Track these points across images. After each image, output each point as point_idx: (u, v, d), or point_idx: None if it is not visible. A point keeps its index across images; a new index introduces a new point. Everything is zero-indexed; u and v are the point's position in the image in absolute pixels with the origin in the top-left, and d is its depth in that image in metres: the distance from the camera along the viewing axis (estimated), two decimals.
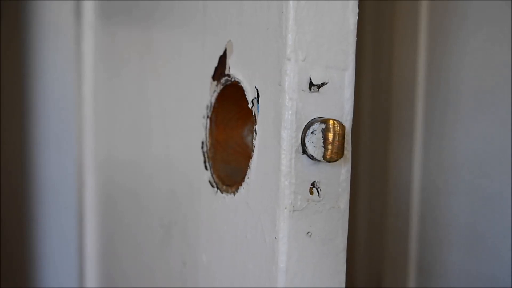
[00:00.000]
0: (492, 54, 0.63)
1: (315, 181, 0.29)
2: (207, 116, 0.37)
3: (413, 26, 0.73)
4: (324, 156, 0.28)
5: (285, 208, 0.28)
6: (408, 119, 0.75)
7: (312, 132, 0.27)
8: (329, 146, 0.27)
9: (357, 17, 0.29)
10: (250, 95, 0.32)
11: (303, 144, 0.28)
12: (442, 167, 0.70)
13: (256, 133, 0.31)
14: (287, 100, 0.28)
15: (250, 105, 0.32)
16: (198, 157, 0.39)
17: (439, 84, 0.70)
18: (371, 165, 0.84)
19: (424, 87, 0.73)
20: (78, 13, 0.69)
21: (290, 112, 0.28)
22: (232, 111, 0.37)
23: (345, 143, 0.28)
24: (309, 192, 0.29)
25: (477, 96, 0.65)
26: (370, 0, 0.81)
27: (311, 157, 0.28)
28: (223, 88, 0.35)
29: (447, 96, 0.69)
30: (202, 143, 0.38)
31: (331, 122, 0.27)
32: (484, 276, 0.61)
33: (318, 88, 0.28)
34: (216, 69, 0.36)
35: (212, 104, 0.36)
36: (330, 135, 0.27)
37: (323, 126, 0.27)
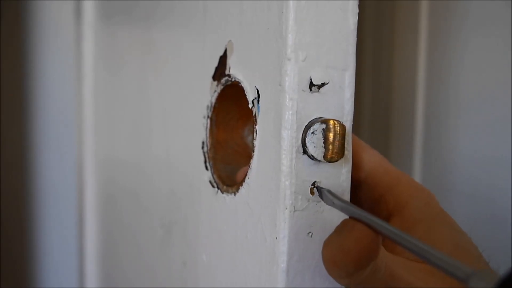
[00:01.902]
0: (492, 54, 0.63)
1: (315, 181, 0.29)
2: (208, 116, 0.37)
3: (413, 26, 0.73)
4: (324, 156, 0.27)
5: (286, 208, 0.28)
6: (408, 119, 0.75)
7: (312, 132, 0.27)
8: (330, 146, 0.27)
9: (357, 17, 0.29)
10: (250, 95, 0.32)
11: (303, 144, 0.28)
12: (442, 167, 0.70)
13: (256, 133, 0.31)
14: (287, 100, 0.28)
15: (250, 105, 0.32)
16: (198, 157, 0.39)
17: (439, 84, 0.70)
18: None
19: (424, 87, 0.73)
20: (78, 13, 0.69)
21: (290, 112, 0.28)
22: (232, 111, 0.37)
23: (345, 143, 0.28)
24: (309, 192, 0.29)
25: (477, 96, 0.65)
26: (370, 0, 0.81)
27: (312, 157, 0.28)
28: (223, 88, 0.35)
29: (448, 96, 0.69)
30: (203, 143, 0.38)
31: (331, 122, 0.27)
32: None
33: (319, 88, 0.28)
34: (217, 69, 0.36)
35: (213, 104, 0.36)
36: (331, 135, 0.27)
37: (323, 126, 0.27)
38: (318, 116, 0.28)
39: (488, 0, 0.62)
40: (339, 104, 0.29)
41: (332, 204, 0.28)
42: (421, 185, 0.33)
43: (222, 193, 0.36)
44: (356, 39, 0.29)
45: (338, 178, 0.29)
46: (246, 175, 0.33)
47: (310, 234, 0.29)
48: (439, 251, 0.22)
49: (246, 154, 0.37)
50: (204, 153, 0.38)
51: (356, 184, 0.34)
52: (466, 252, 0.30)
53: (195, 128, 0.39)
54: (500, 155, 0.62)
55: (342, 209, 0.27)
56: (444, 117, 0.69)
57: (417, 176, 0.74)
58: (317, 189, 0.29)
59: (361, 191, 0.34)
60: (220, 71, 0.35)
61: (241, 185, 0.33)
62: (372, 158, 0.34)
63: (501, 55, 0.61)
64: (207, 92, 0.37)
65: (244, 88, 0.32)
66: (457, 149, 0.68)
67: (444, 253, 0.22)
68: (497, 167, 0.63)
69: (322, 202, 0.29)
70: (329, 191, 0.28)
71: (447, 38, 0.68)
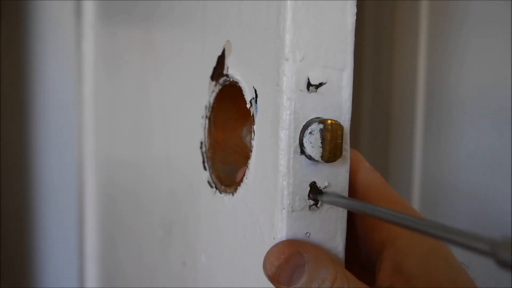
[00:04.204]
0: (492, 54, 0.63)
1: (313, 182, 0.29)
2: (206, 116, 0.37)
3: (413, 26, 0.73)
4: (322, 157, 0.27)
5: (284, 208, 0.28)
6: (408, 119, 0.75)
7: (310, 133, 0.27)
8: (327, 147, 0.27)
9: (355, 17, 0.29)
10: (248, 95, 0.32)
11: (301, 144, 0.28)
12: (442, 167, 0.70)
13: (254, 134, 0.31)
14: (285, 100, 0.28)
15: (248, 105, 0.32)
16: (197, 157, 0.39)
17: (439, 84, 0.70)
18: (371, 165, 0.84)
19: (424, 87, 0.72)
20: (78, 13, 0.69)
21: (288, 112, 0.28)
22: (230, 111, 0.37)
23: (343, 143, 0.28)
24: (307, 193, 0.29)
25: (477, 96, 0.65)
26: (370, 0, 0.81)
27: (309, 158, 0.28)
28: (221, 88, 0.35)
29: (448, 96, 0.69)
30: (201, 143, 0.38)
31: (329, 122, 0.27)
32: (485, 276, 0.60)
33: (316, 88, 0.28)
34: (215, 69, 0.36)
35: (211, 104, 0.36)
36: (328, 135, 0.27)
37: (321, 126, 0.27)
38: (316, 116, 0.28)
39: (488, 0, 0.62)
40: (337, 104, 0.29)
41: (337, 204, 0.28)
42: (417, 213, 0.32)
43: (221, 193, 0.36)
44: (354, 39, 0.29)
45: (336, 178, 0.29)
46: (244, 175, 0.33)
47: (308, 234, 0.29)
48: (453, 227, 0.20)
49: (244, 154, 0.37)
50: (202, 153, 0.38)
51: None
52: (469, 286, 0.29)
53: (194, 128, 0.39)
54: (500, 155, 0.62)
55: (346, 207, 0.27)
56: (444, 117, 0.69)
57: (417, 176, 0.74)
58: (313, 200, 0.29)
59: (356, 217, 0.33)
60: (218, 71, 0.35)
61: (239, 185, 0.33)
62: (370, 180, 0.33)
63: (501, 55, 0.61)
64: (205, 92, 0.37)
65: (242, 88, 0.32)
66: (457, 149, 0.68)
67: (458, 228, 0.20)
68: (497, 167, 0.63)
69: (320, 202, 0.29)
70: (326, 194, 0.28)
71: (447, 38, 0.68)
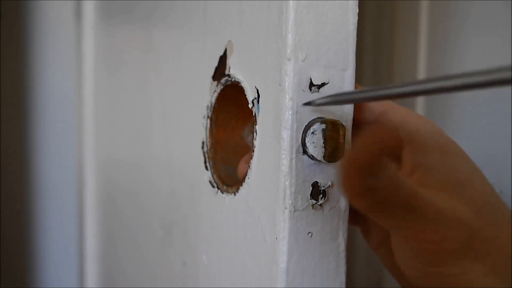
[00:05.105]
0: (492, 54, 0.63)
1: (316, 182, 0.29)
2: (207, 116, 0.37)
3: (413, 26, 0.73)
4: (324, 156, 0.28)
5: (286, 208, 0.28)
6: None
7: (312, 132, 0.27)
8: (329, 146, 0.27)
9: (357, 17, 0.29)
10: (250, 95, 0.32)
11: (303, 144, 0.28)
12: None
13: (256, 133, 0.31)
14: (287, 100, 0.28)
15: (250, 105, 0.32)
16: (198, 157, 0.39)
17: None
18: None
19: None
20: (78, 13, 0.69)
21: (290, 112, 0.28)
22: (232, 111, 0.37)
23: (345, 143, 0.28)
24: (309, 193, 0.29)
25: (477, 96, 0.65)
26: (370, 0, 0.81)
27: (312, 157, 0.28)
28: (223, 88, 0.35)
29: (447, 96, 0.69)
30: (203, 143, 0.38)
31: (331, 122, 0.27)
32: None
33: (318, 88, 0.28)
34: (216, 69, 0.36)
35: (212, 104, 0.36)
36: (331, 135, 0.27)
37: (323, 126, 0.27)
38: (318, 116, 0.28)
39: (488, 0, 0.62)
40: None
41: (327, 103, 0.27)
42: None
43: (222, 193, 0.36)
44: (356, 39, 0.29)
45: (338, 178, 0.29)
46: (247, 169, 0.33)
47: (310, 234, 0.29)
48: (468, 72, 0.19)
49: (245, 154, 0.37)
50: (204, 153, 0.38)
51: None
52: (484, 180, 0.30)
53: (195, 128, 0.39)
54: (500, 156, 0.62)
55: (339, 101, 0.27)
56: (444, 118, 0.69)
57: None
58: (315, 200, 0.28)
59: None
60: (220, 71, 0.35)
61: (241, 185, 0.33)
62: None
63: (501, 55, 0.61)
64: (207, 92, 0.37)
65: (244, 88, 0.32)
66: None
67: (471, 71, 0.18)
68: (497, 167, 0.63)
69: (321, 202, 0.29)
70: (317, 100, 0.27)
71: (447, 38, 0.68)
